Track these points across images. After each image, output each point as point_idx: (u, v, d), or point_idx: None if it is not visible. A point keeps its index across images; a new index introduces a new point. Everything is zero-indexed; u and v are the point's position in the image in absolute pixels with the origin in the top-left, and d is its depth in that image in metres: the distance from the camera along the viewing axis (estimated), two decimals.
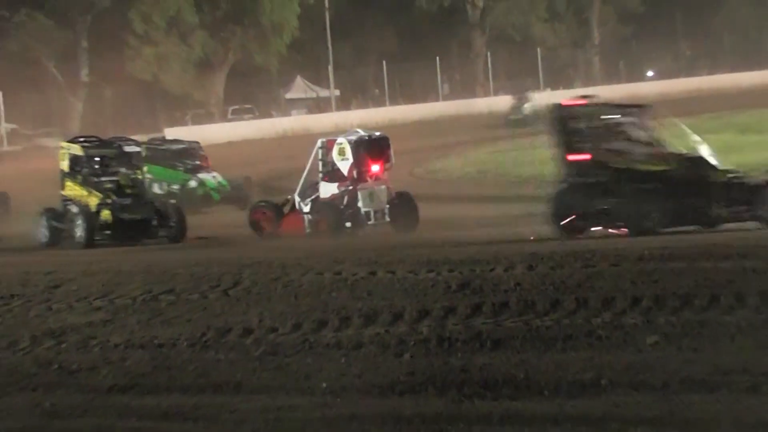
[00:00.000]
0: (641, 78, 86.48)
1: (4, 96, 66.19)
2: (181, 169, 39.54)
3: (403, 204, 25.92)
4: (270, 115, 75.34)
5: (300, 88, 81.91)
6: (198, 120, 71.75)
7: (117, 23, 71.73)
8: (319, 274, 16.07)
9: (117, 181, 27.21)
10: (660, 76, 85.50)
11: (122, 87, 70.86)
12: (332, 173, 26.02)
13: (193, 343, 12.58)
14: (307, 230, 26.20)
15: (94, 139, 29.13)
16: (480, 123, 63.97)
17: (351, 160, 25.58)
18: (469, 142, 53.54)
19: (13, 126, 68.23)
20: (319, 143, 26.71)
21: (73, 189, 27.19)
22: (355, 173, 25.57)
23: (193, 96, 74.04)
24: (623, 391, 9.60)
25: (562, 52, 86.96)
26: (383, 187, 25.87)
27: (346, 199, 25.54)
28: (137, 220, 26.72)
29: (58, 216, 27.25)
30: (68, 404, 10.38)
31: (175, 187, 38.51)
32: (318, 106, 79.23)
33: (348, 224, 25.41)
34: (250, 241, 26.42)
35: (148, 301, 14.92)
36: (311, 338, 12.49)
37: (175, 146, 41.64)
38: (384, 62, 77.28)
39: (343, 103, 79.06)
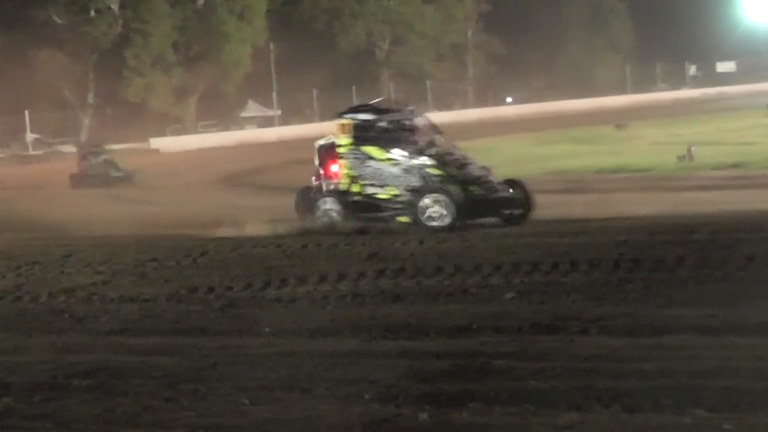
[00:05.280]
0: (503, 103, 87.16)
1: (30, 113, 65.41)
2: None
3: None
4: (229, 129, 74.66)
5: (252, 109, 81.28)
6: (176, 132, 71.12)
7: (116, 60, 71.00)
8: (264, 247, 15.99)
9: None
10: (517, 101, 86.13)
11: (119, 107, 70.27)
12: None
13: (170, 298, 12.49)
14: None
15: None
16: None
17: (317, 160, 25.10)
18: None
19: (37, 136, 67.35)
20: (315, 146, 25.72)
21: None
22: (320, 170, 24.98)
23: (172, 114, 73.31)
24: (488, 333, 9.64)
25: (446, 84, 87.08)
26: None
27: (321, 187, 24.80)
28: None
29: None
30: (76, 343, 10.25)
31: None
32: (265, 122, 78.84)
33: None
34: None
35: (137, 266, 14.78)
36: (258, 294, 12.45)
37: None
38: (314, 90, 77.27)
39: (284, 121, 78.77)
